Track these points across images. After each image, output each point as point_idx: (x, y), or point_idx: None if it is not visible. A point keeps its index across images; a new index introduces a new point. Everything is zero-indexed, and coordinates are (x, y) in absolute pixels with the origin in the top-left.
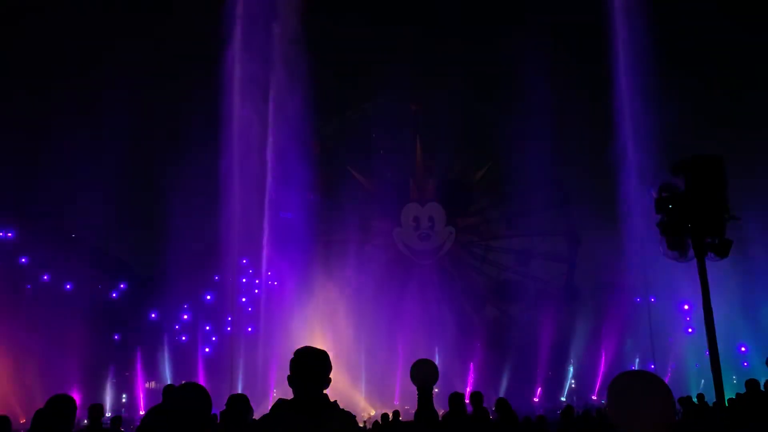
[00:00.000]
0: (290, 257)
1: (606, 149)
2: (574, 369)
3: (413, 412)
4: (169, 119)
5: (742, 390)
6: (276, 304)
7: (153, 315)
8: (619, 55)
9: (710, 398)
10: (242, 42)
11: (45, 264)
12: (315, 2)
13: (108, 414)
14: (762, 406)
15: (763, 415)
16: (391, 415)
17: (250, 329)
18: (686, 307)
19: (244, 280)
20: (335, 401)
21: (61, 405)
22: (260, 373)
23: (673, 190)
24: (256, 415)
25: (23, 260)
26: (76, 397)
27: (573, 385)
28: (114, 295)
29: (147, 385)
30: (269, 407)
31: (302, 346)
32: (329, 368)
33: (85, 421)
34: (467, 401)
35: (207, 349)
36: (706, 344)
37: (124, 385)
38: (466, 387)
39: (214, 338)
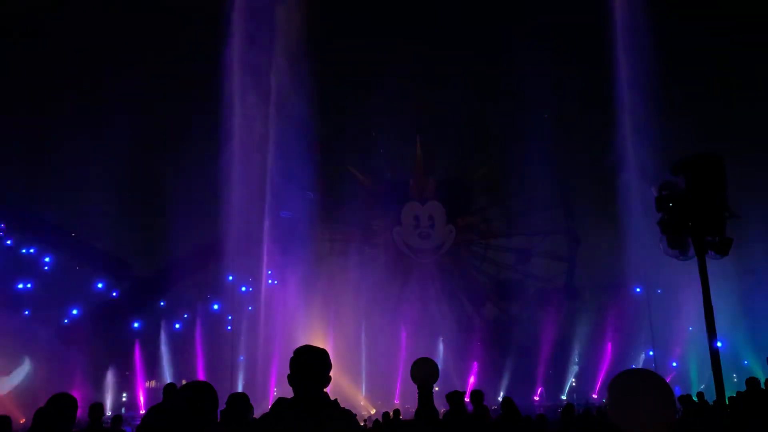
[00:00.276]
0: (290, 256)
1: (606, 148)
2: (575, 368)
3: (414, 410)
4: (169, 119)
5: (743, 388)
6: (276, 303)
7: (153, 314)
8: (619, 55)
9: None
10: (243, 41)
11: (44, 262)
12: (316, 3)
13: (108, 413)
14: (762, 404)
15: (764, 414)
16: (391, 413)
17: (250, 328)
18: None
19: (242, 280)
20: (335, 400)
21: (61, 404)
22: (260, 372)
23: (673, 188)
24: (257, 414)
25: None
26: (77, 396)
27: (573, 384)
28: (114, 294)
29: (147, 384)
30: (269, 406)
31: (302, 345)
32: (329, 367)
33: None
34: (467, 400)
35: (206, 349)
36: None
37: (125, 384)
38: (467, 385)
39: (213, 337)
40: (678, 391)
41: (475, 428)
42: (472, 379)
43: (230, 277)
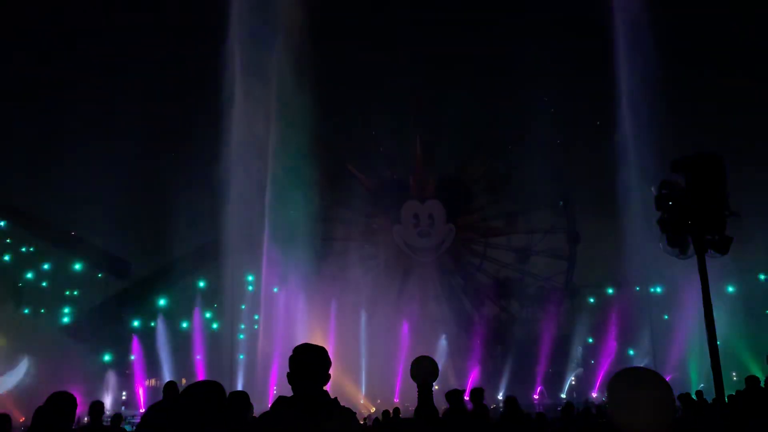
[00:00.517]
0: (290, 255)
1: (606, 147)
2: (576, 366)
3: (413, 409)
4: (169, 118)
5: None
6: (276, 302)
7: (153, 312)
8: (620, 52)
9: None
10: (244, 41)
11: (44, 261)
12: (317, 2)
13: (108, 411)
14: (762, 403)
15: (763, 412)
16: (391, 412)
17: (250, 327)
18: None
19: (243, 278)
20: (335, 398)
21: (61, 403)
22: (260, 371)
23: (673, 187)
24: (256, 413)
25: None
26: (77, 394)
27: (573, 383)
28: (114, 292)
29: (147, 382)
30: (269, 405)
31: (301, 343)
32: (328, 365)
33: (86, 419)
34: (467, 398)
35: (206, 347)
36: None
37: (125, 382)
38: (467, 384)
39: (213, 336)
40: (677, 390)
41: (475, 427)
42: (471, 378)
43: (230, 276)
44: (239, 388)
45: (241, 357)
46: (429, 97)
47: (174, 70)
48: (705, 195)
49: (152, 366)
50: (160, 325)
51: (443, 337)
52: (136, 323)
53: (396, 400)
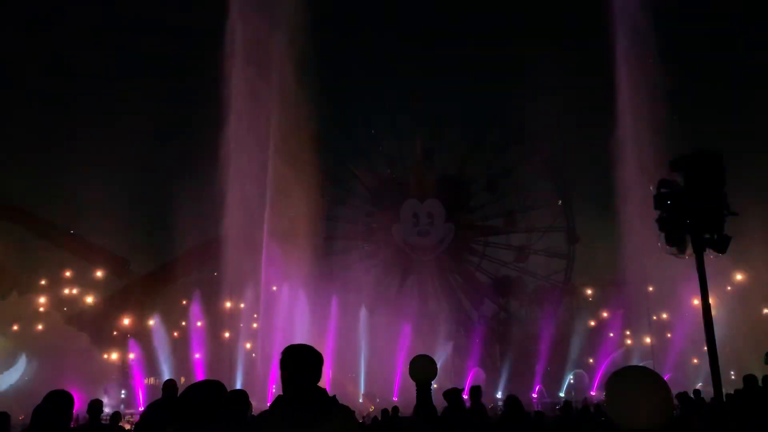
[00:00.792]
0: (290, 253)
1: (606, 146)
2: (573, 366)
3: (412, 407)
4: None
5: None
6: (276, 301)
7: (153, 311)
8: (619, 51)
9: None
10: (244, 40)
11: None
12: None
13: (107, 410)
14: (759, 401)
15: (761, 411)
16: (390, 411)
17: (248, 326)
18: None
19: (242, 277)
20: (334, 396)
21: (59, 401)
22: (260, 370)
23: (672, 186)
24: (255, 412)
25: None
26: (75, 393)
27: (572, 381)
28: (114, 290)
29: (146, 381)
30: (269, 404)
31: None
32: (321, 360)
33: (85, 417)
34: (465, 396)
35: (206, 346)
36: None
37: (124, 381)
38: (465, 382)
39: (212, 335)
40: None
41: (473, 425)
42: (470, 376)
43: (230, 275)
44: (239, 386)
45: (241, 356)
46: (429, 96)
47: (176, 69)
48: (703, 194)
49: (151, 364)
50: (159, 324)
51: (442, 335)
52: (135, 322)
53: (395, 399)
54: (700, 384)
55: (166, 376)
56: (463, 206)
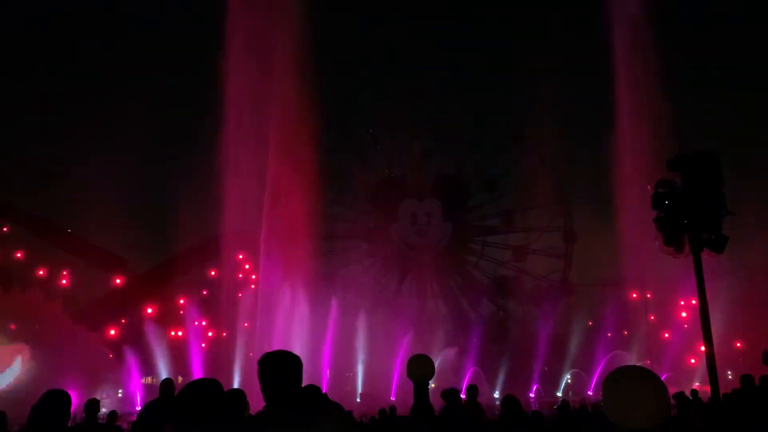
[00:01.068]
0: (288, 253)
1: (604, 145)
2: (571, 365)
3: (410, 407)
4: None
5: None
6: (274, 301)
7: (150, 310)
8: (618, 51)
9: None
10: (243, 39)
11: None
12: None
13: (104, 409)
14: (757, 401)
15: (758, 411)
16: (388, 410)
17: (246, 325)
18: (682, 302)
19: (240, 276)
20: (325, 394)
21: (57, 400)
22: (257, 370)
23: (669, 186)
24: (253, 412)
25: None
26: (72, 392)
27: (569, 381)
28: (111, 289)
29: (144, 380)
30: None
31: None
32: (300, 363)
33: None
34: (463, 396)
35: (203, 345)
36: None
37: (121, 380)
38: (463, 382)
39: (210, 334)
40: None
41: (471, 424)
42: (467, 376)
43: (228, 274)
44: (236, 386)
45: (239, 356)
46: (428, 95)
47: (176, 68)
48: (701, 194)
49: (149, 364)
50: (156, 323)
51: (440, 335)
52: (133, 321)
53: (392, 398)
54: (697, 384)
55: (164, 376)
56: (461, 206)
